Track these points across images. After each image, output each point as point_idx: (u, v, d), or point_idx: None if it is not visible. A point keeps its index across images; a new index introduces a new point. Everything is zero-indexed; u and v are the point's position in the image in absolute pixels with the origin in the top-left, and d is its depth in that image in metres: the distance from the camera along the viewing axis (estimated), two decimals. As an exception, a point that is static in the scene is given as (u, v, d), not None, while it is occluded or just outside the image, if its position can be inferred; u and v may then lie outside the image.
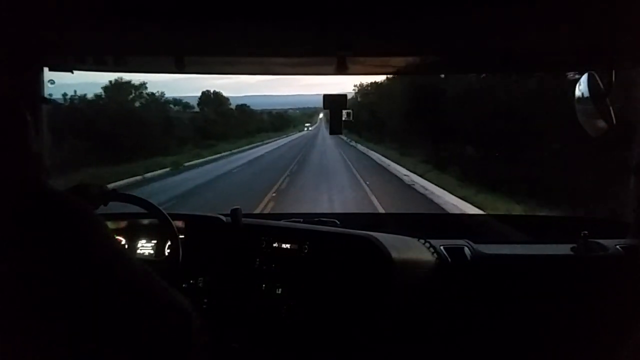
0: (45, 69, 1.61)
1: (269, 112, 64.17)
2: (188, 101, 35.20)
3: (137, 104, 25.67)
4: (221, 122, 35.85)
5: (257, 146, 33.95)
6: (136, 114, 23.43)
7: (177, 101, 33.61)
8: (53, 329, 0.71)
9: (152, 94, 28.73)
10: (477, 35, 1.35)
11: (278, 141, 41.04)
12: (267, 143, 37.76)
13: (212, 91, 39.58)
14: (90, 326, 0.72)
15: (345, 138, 35.98)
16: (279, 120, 65.63)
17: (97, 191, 1.40)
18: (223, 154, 25.01)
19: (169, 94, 34.26)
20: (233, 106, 44.62)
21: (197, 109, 35.44)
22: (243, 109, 47.96)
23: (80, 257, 0.75)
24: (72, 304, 0.72)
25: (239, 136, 36.68)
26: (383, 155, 19.73)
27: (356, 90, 34.05)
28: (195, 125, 30.78)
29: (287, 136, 52.47)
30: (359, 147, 27.40)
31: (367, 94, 31.07)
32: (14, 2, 1.09)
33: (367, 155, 22.07)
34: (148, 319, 0.78)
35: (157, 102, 28.96)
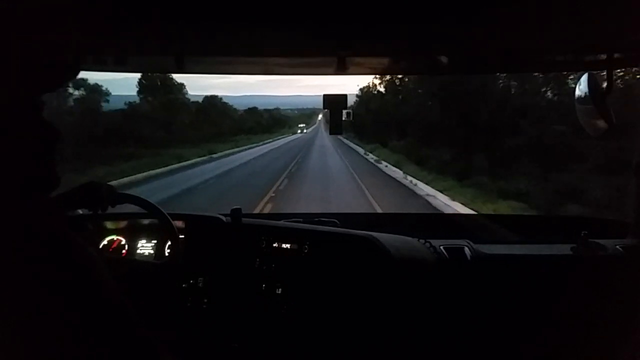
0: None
1: (254, 110, 51.78)
2: (103, 85, 21.25)
3: None
4: (162, 119, 22.77)
5: (192, 167, 18.74)
6: None
7: (79, 83, 19.97)
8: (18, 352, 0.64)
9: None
10: (477, 36, 1.35)
11: (245, 153, 26.33)
12: (216, 160, 22.05)
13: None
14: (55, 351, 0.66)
15: (363, 152, 23.86)
16: (269, 120, 52.95)
17: (107, 191, 1.38)
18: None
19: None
20: (199, 99, 31.79)
21: (114, 101, 22.26)
22: (214, 102, 33.88)
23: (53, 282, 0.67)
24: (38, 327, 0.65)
25: (194, 141, 23.44)
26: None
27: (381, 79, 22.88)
28: (99, 125, 18.36)
29: (272, 140, 39.67)
30: (408, 180, 13.08)
31: (403, 82, 18.40)
32: (14, 2, 1.08)
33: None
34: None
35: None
